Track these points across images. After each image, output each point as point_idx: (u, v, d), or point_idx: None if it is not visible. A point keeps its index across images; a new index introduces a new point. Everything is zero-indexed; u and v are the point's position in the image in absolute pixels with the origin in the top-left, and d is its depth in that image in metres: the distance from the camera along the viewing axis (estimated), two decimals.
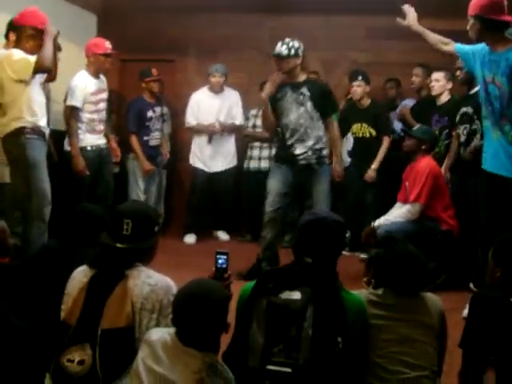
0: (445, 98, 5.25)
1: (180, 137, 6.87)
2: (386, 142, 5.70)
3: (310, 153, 4.65)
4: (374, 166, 5.64)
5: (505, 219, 3.60)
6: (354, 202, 5.79)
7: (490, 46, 3.64)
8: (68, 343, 2.26)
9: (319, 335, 2.11)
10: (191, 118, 6.26)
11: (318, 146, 4.66)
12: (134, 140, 6.00)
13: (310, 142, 4.64)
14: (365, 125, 5.75)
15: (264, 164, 6.17)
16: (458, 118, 4.78)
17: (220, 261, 2.41)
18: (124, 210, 2.45)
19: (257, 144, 6.24)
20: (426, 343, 2.35)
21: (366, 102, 5.80)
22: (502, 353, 2.20)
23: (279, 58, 4.58)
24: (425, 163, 4.59)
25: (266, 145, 6.19)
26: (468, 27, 3.66)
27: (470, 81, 4.66)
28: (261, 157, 6.22)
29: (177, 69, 6.94)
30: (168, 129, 6.58)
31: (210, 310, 2.08)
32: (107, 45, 5.17)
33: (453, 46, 3.88)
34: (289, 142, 4.68)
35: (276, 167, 4.84)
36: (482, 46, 3.72)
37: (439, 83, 5.21)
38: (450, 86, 5.23)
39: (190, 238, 6.26)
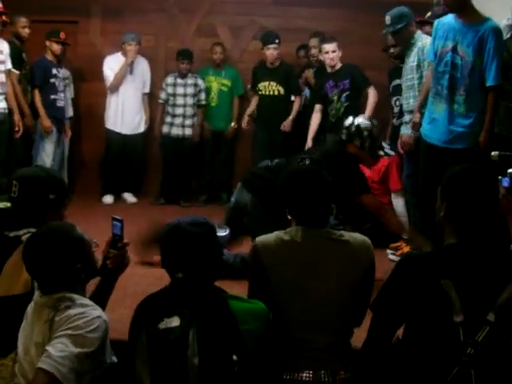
0: (338, 65, 5.41)
1: (84, 101, 6.64)
2: (297, 102, 5.94)
3: None
4: (291, 117, 5.87)
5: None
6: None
7: (460, 16, 3.69)
8: None
9: (207, 362, 1.85)
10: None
11: None
12: (36, 94, 5.78)
13: None
14: (273, 83, 5.91)
15: (188, 132, 6.24)
16: (390, 89, 5.02)
17: (114, 227, 2.29)
18: (17, 173, 2.44)
19: (180, 111, 6.23)
20: (343, 305, 2.15)
21: (276, 62, 5.94)
22: (414, 320, 1.96)
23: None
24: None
25: (189, 113, 6.24)
26: None
27: (403, 56, 4.76)
28: (184, 125, 6.24)
29: (79, 30, 6.66)
30: (71, 93, 6.41)
31: (50, 249, 2.01)
32: None
33: (431, 67, 3.97)
34: None
35: None
36: (441, 23, 3.80)
37: (335, 53, 5.36)
38: (340, 54, 5.41)
39: (108, 199, 6.30)
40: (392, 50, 4.98)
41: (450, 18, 3.75)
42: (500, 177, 2.70)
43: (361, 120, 3.84)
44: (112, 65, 6.20)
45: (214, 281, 2.06)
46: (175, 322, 1.88)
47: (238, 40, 6.68)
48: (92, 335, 1.92)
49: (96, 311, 1.99)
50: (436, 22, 3.86)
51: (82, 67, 6.56)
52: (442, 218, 2.05)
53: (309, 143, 5.45)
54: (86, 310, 1.97)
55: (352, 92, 5.33)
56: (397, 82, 4.90)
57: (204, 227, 2.05)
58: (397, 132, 4.76)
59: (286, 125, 5.89)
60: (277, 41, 5.84)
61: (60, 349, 1.87)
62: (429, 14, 4.59)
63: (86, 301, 2.06)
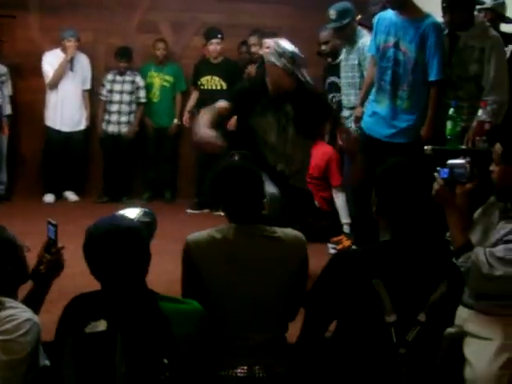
0: None
1: (22, 98, 6.45)
2: None
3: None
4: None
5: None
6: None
7: (401, 12, 3.72)
8: None
9: (134, 368, 1.78)
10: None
11: None
12: None
13: None
14: (215, 77, 5.96)
15: (124, 129, 6.21)
16: (326, 86, 5.03)
17: (49, 231, 2.25)
18: None
19: (115, 108, 6.20)
20: (276, 301, 2.15)
21: (219, 58, 6.01)
22: (346, 318, 1.97)
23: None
24: (328, 148, 4.99)
25: (125, 110, 6.20)
26: None
27: (334, 53, 4.89)
28: (120, 121, 6.20)
29: (17, 25, 6.46)
30: (8, 91, 6.22)
31: None
32: None
33: (373, 61, 3.97)
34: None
35: None
36: (382, 18, 3.83)
37: None
38: None
39: (49, 198, 6.18)
40: (324, 47, 4.98)
41: (390, 13, 3.80)
42: (439, 168, 2.76)
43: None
44: (51, 60, 6.10)
45: (143, 277, 1.97)
46: (102, 326, 1.81)
47: (181, 36, 6.62)
48: (23, 339, 1.87)
49: (26, 313, 1.95)
50: (377, 17, 3.91)
51: (21, 63, 6.36)
52: (375, 214, 2.06)
53: None
54: (15, 313, 1.92)
55: None
56: (331, 79, 4.94)
57: (128, 230, 1.93)
58: (335, 128, 4.82)
59: (233, 123, 5.86)
60: (219, 35, 5.92)
61: None
62: (359, 16, 4.63)
63: (16, 304, 2.01)
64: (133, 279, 1.92)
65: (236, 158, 2.69)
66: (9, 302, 1.97)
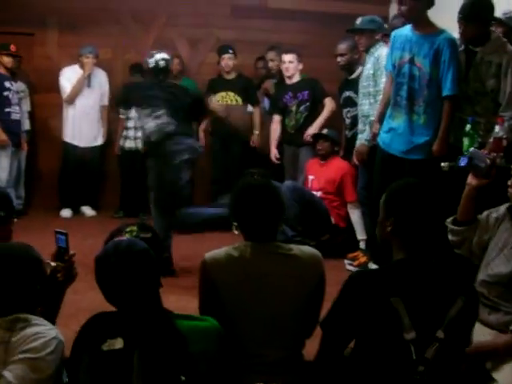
0: (297, 77, 5.50)
1: (40, 114, 6.53)
2: (257, 113, 6.07)
3: None
4: (258, 131, 6.02)
5: None
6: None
7: (416, 27, 3.74)
8: None
9: None
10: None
11: None
12: None
13: None
14: (230, 93, 6.04)
15: (140, 144, 6.18)
16: (341, 101, 5.05)
17: (59, 241, 2.28)
18: None
19: (131, 124, 6.25)
20: (292, 319, 2.16)
21: (233, 74, 6.09)
22: (365, 337, 1.93)
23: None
24: (344, 163, 4.96)
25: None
26: (406, 8, 3.71)
27: (350, 67, 4.92)
28: (136, 137, 6.24)
29: (36, 42, 6.56)
30: (27, 107, 6.31)
31: (10, 271, 1.96)
32: None
33: (390, 78, 3.99)
34: None
35: None
36: (398, 35, 3.86)
37: (293, 64, 5.43)
38: (300, 66, 5.48)
39: (66, 213, 6.22)
40: (339, 59, 4.96)
41: (406, 30, 3.81)
42: (460, 156, 2.73)
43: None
44: (69, 76, 6.16)
45: (158, 294, 1.99)
46: (119, 343, 1.82)
47: (196, 52, 6.70)
48: (50, 357, 1.87)
49: (52, 331, 1.95)
50: (393, 34, 3.93)
51: (39, 80, 6.45)
52: (388, 233, 2.03)
53: (274, 152, 5.57)
54: (42, 330, 1.92)
55: (311, 104, 5.44)
56: (346, 94, 4.96)
57: (139, 253, 1.95)
58: (350, 143, 4.81)
59: (256, 141, 6.02)
60: (230, 50, 6.00)
61: (20, 376, 1.81)
62: (386, 25, 4.65)
63: (42, 321, 2.02)
64: (148, 298, 1.93)
65: (256, 176, 2.69)
66: (34, 319, 1.97)
